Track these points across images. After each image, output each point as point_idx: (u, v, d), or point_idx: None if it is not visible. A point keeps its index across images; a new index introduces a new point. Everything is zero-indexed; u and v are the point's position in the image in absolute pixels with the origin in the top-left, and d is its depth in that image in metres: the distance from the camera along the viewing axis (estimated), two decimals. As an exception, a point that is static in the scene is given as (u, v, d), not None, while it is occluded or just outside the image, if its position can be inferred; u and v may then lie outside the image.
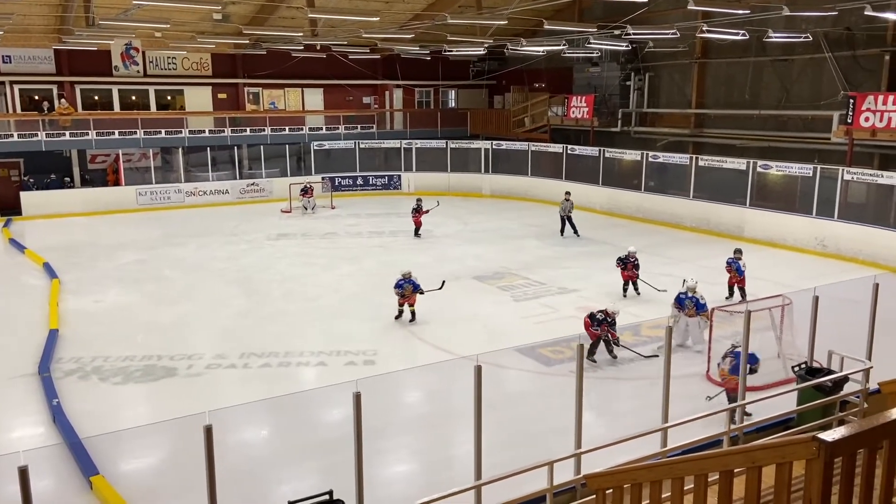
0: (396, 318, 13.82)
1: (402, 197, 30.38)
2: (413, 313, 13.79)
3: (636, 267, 15.23)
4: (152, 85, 30.00)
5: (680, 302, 12.16)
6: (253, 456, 8.93)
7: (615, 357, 11.67)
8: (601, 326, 11.51)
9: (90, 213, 25.87)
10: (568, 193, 22.86)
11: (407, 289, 13.63)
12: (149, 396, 10.78)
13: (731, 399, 9.02)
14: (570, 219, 22.39)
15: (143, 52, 28.71)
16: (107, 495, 7.60)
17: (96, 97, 29.48)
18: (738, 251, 15.22)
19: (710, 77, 25.99)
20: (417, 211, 21.98)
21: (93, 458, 8.22)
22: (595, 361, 11.53)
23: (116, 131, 27.47)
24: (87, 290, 16.24)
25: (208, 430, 4.85)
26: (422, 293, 13.74)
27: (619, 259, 15.29)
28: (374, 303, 15.04)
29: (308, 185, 26.87)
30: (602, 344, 11.63)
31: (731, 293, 15.05)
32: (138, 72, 28.87)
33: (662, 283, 16.52)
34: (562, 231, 22.45)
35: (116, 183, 27.88)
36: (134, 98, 30.07)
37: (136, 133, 27.68)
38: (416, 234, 21.90)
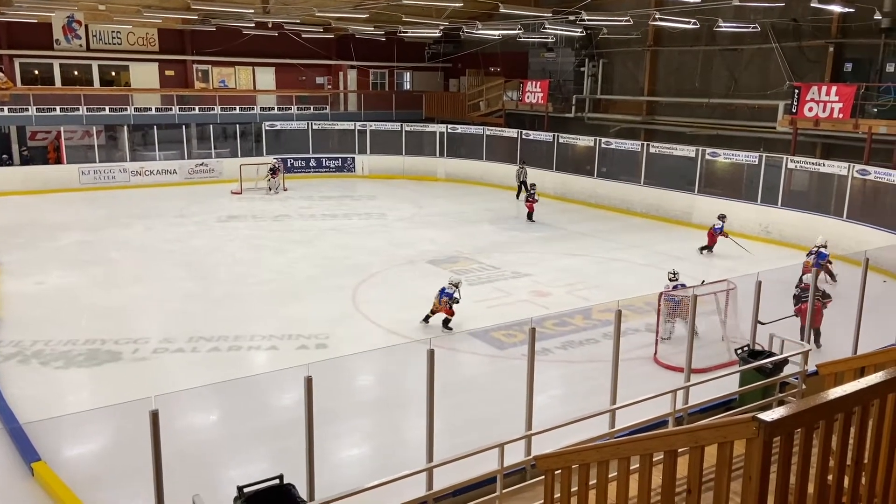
0: (446, 323, 12.48)
1: (355, 179, 30.15)
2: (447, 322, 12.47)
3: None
4: (96, 60, 28.96)
5: (675, 302, 11.75)
6: (201, 441, 8.80)
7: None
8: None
9: (30, 192, 24.93)
10: (523, 163, 26.26)
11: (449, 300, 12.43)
12: (92, 381, 10.51)
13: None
14: (525, 184, 25.14)
15: (86, 26, 27.67)
16: (49, 482, 7.40)
17: (36, 71, 28.35)
18: (722, 216, 17.78)
19: (661, 65, 26.38)
20: (530, 197, 22.14)
21: (34, 444, 7.99)
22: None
23: (58, 107, 26.47)
24: (27, 271, 15.68)
25: (154, 415, 4.75)
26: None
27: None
28: (327, 286, 14.93)
29: (276, 166, 26.48)
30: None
31: (706, 249, 17.93)
32: (81, 46, 27.84)
33: (612, 268, 16.85)
34: (518, 195, 25.37)
35: (58, 161, 26.91)
36: (76, 73, 29.00)
37: (78, 109, 26.72)
38: (530, 218, 21.97)
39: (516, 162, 27.63)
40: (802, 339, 10.74)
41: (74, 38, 27.57)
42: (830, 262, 14.66)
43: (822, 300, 11.10)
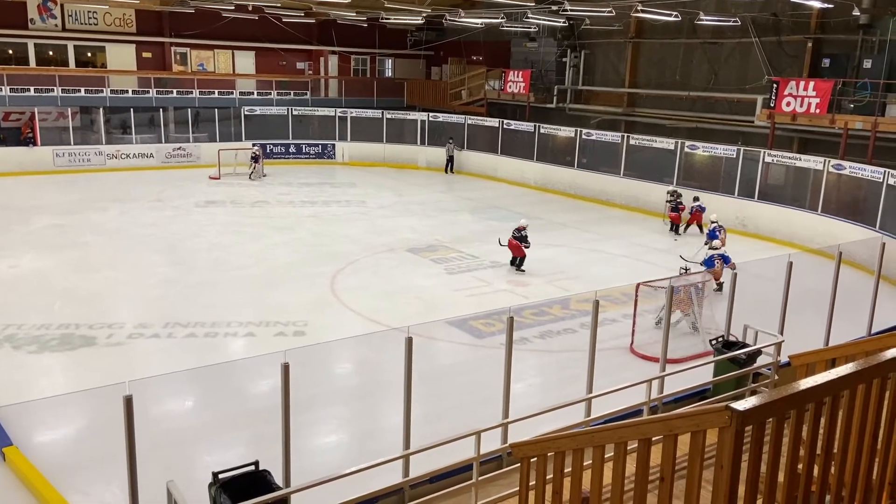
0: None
1: (335, 166, 29.97)
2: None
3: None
4: (71, 40, 28.42)
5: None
6: (176, 427, 8.73)
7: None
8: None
9: (3, 175, 24.46)
10: (451, 139, 28.68)
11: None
12: (66, 366, 10.37)
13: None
14: (452, 159, 28.27)
15: (62, 5, 27.14)
16: (21, 467, 7.31)
17: (10, 51, 27.77)
18: (696, 198, 19.34)
19: (643, 57, 26.46)
20: (676, 207, 19.84)
21: (5, 429, 7.89)
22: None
23: (32, 88, 25.98)
24: (-1, 254, 15.44)
25: (128, 401, 4.70)
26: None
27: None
28: (305, 273, 14.85)
29: (256, 153, 26.26)
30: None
31: (684, 229, 19.23)
32: (56, 26, 27.31)
33: (591, 259, 16.93)
34: (446, 169, 28.38)
35: (32, 142, 26.39)
36: (51, 53, 28.44)
37: (53, 90, 26.23)
38: (676, 230, 19.69)
39: (497, 152, 27.71)
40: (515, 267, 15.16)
41: (49, 18, 27.04)
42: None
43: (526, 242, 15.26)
